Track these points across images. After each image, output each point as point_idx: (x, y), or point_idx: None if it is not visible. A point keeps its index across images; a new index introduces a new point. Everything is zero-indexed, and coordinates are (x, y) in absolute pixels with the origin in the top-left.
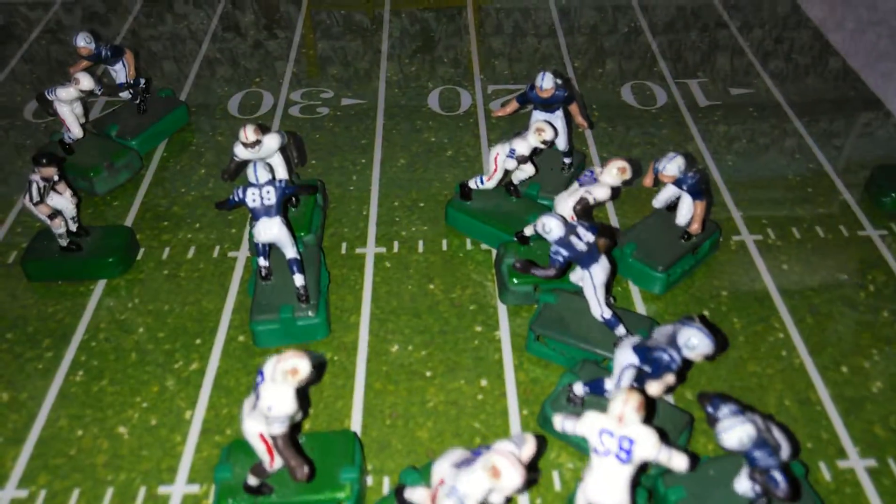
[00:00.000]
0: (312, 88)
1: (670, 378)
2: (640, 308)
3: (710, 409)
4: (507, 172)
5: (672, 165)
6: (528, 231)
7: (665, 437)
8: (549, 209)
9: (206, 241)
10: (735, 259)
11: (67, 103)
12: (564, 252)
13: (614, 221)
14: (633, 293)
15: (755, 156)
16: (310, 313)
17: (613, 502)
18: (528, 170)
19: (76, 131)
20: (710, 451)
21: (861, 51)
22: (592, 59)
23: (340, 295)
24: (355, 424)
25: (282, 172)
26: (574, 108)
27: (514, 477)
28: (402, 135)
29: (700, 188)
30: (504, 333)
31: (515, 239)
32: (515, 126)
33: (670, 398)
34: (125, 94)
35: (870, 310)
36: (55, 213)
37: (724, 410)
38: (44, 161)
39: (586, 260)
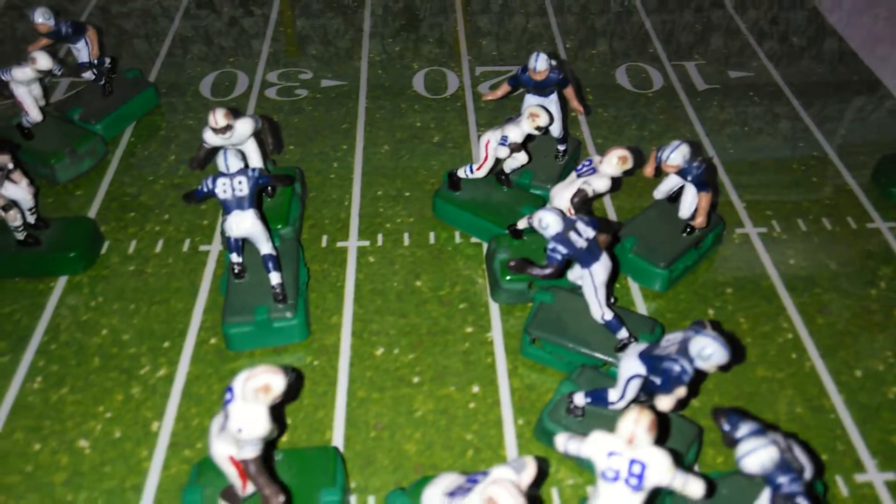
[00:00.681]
0: (290, 69)
1: (682, 391)
2: (641, 306)
3: (726, 428)
4: (498, 161)
5: (676, 155)
6: (522, 224)
7: (678, 459)
8: (542, 199)
9: (175, 234)
10: (739, 253)
11: (24, 84)
12: (563, 249)
13: (611, 213)
14: (632, 290)
15: (756, 142)
16: (287, 314)
17: None
18: (520, 158)
19: (35, 115)
20: (719, 464)
21: (858, 33)
22: (584, 39)
23: (321, 293)
24: (337, 437)
25: (255, 160)
26: (569, 91)
27: None
28: (386, 119)
29: (705, 179)
30: (496, 335)
31: (508, 232)
32: (506, 110)
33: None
34: (88, 75)
35: (882, 308)
36: (10, 205)
37: (744, 430)
38: None
39: (586, 258)
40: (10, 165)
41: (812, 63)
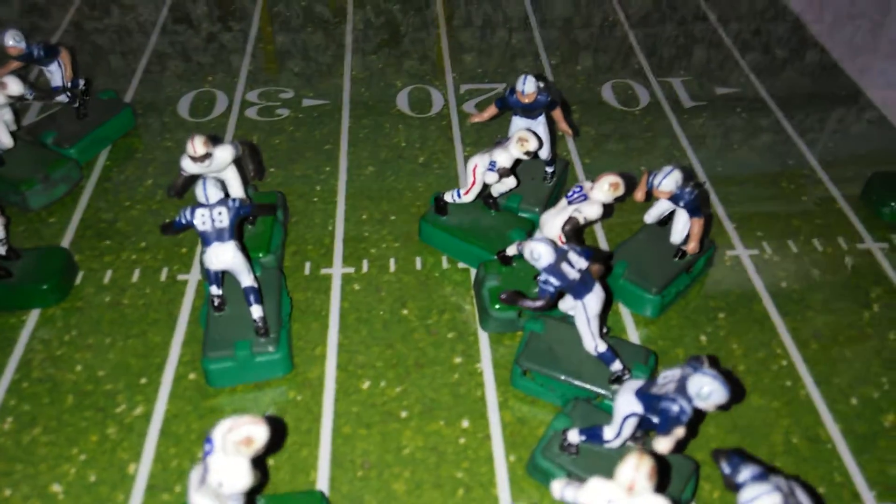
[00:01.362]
0: (271, 88)
1: (681, 431)
2: (632, 333)
3: (727, 471)
4: (485, 185)
5: (669, 181)
6: (511, 251)
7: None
8: (531, 223)
9: (152, 263)
10: (731, 276)
11: None
12: (555, 281)
13: (600, 237)
14: (623, 316)
15: (744, 159)
16: (269, 348)
17: None
18: (509, 182)
19: (6, 140)
20: (715, 499)
21: (838, 45)
22: (568, 54)
23: (304, 323)
24: (322, 478)
25: (236, 188)
26: (557, 113)
27: None
28: (370, 138)
29: (698, 205)
30: (486, 365)
31: (497, 258)
32: (492, 130)
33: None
34: (62, 98)
35: (876, 332)
36: None
37: (746, 474)
38: None
39: (579, 289)
40: None
41: (796, 75)
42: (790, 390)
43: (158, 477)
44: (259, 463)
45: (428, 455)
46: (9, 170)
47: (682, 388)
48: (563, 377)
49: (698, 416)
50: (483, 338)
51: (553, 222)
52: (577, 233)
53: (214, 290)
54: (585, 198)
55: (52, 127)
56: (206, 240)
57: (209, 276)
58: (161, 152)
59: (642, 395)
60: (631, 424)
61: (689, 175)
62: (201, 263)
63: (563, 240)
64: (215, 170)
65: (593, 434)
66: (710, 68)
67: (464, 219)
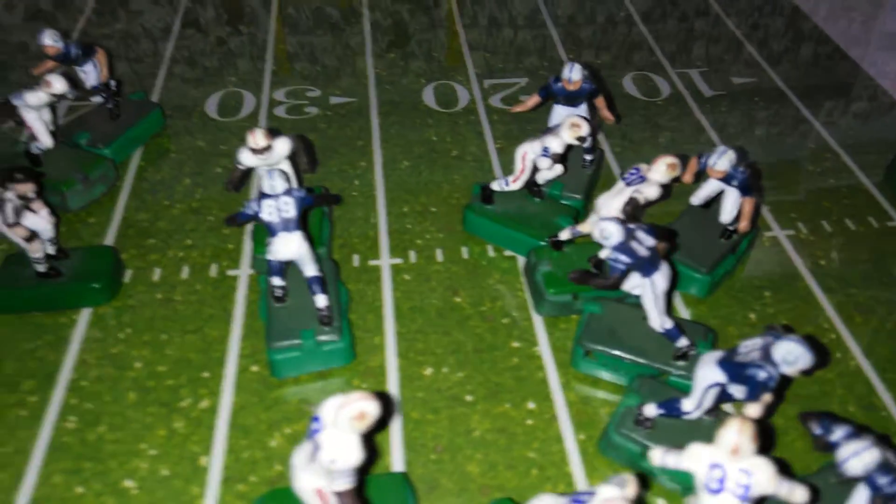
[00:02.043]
0: (297, 87)
1: (768, 397)
2: (683, 313)
3: (818, 432)
4: (532, 172)
5: (724, 160)
6: (564, 235)
7: (783, 468)
8: (574, 209)
9: (200, 260)
10: (771, 256)
11: (35, 109)
12: (626, 259)
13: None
14: (673, 296)
15: (770, 146)
16: (334, 337)
17: None
18: (557, 169)
19: (46, 141)
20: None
21: (833, 36)
22: (587, 49)
23: (360, 314)
24: (397, 461)
25: (291, 180)
26: (600, 101)
27: None
28: (401, 134)
29: (751, 184)
30: (544, 349)
31: (548, 244)
32: (521, 123)
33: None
34: (96, 98)
35: None
36: (32, 236)
37: (839, 433)
38: (20, 176)
39: (647, 267)
40: (32, 195)
41: (806, 65)
42: (841, 362)
43: (232, 468)
44: (366, 441)
45: (497, 437)
46: (47, 170)
47: (766, 355)
48: (627, 356)
49: (784, 381)
50: (538, 322)
51: (611, 204)
52: (637, 213)
53: (277, 281)
54: (643, 179)
55: (85, 127)
56: (272, 230)
57: (272, 268)
58: (193, 152)
59: (726, 364)
60: (712, 395)
61: (742, 155)
62: (256, 255)
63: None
64: (272, 162)
65: (671, 407)
66: (723, 59)
67: (509, 207)
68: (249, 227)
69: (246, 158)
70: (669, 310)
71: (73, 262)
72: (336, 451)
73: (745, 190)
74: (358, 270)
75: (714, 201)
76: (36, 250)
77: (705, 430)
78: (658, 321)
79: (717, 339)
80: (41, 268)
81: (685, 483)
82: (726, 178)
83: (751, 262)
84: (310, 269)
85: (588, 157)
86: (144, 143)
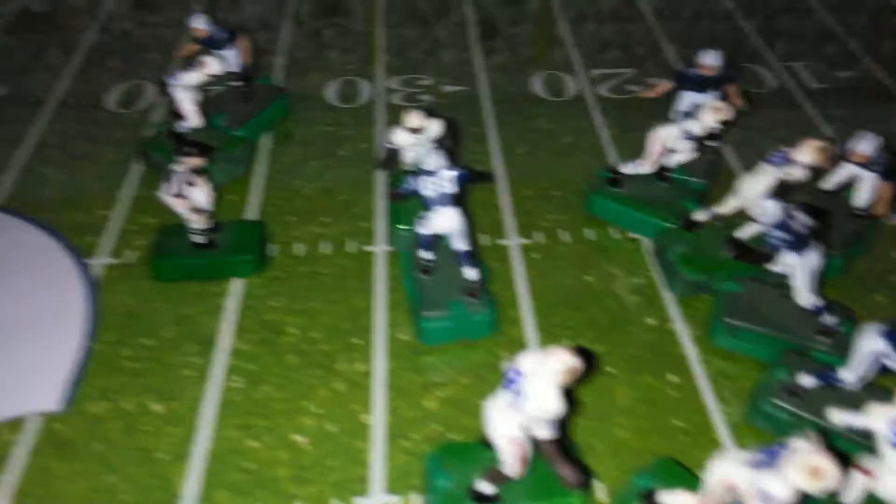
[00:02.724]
0: (410, 75)
1: None
2: None
3: None
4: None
5: (867, 145)
6: (700, 217)
7: None
8: (701, 193)
9: (338, 236)
10: (887, 240)
11: (188, 89)
12: (784, 236)
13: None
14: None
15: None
16: (481, 308)
17: None
18: (686, 153)
19: (195, 120)
20: None
21: None
22: (689, 44)
23: (495, 289)
24: None
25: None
26: (733, 88)
27: (836, 476)
28: (515, 122)
29: (891, 169)
30: (679, 325)
31: (680, 225)
32: (630, 111)
33: None
34: (236, 82)
35: None
36: (197, 208)
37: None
38: (192, 150)
39: (802, 245)
40: (199, 169)
41: None
42: None
43: (395, 427)
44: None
45: (642, 406)
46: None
47: None
48: (771, 332)
49: None
50: (669, 300)
51: (755, 185)
52: (786, 193)
53: (427, 254)
54: (788, 161)
55: (220, 109)
56: (430, 204)
57: (423, 241)
58: (318, 136)
59: (890, 335)
60: (871, 363)
61: (883, 142)
62: (394, 230)
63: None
64: (423, 143)
65: (828, 376)
66: (825, 55)
67: (636, 191)
68: (381, 207)
69: (401, 138)
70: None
71: (226, 235)
72: (542, 401)
73: (886, 175)
74: (489, 249)
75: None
76: (198, 221)
77: (854, 402)
78: (809, 298)
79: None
80: (200, 239)
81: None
82: (868, 164)
83: (876, 246)
84: (461, 244)
85: (713, 143)
86: (272, 127)
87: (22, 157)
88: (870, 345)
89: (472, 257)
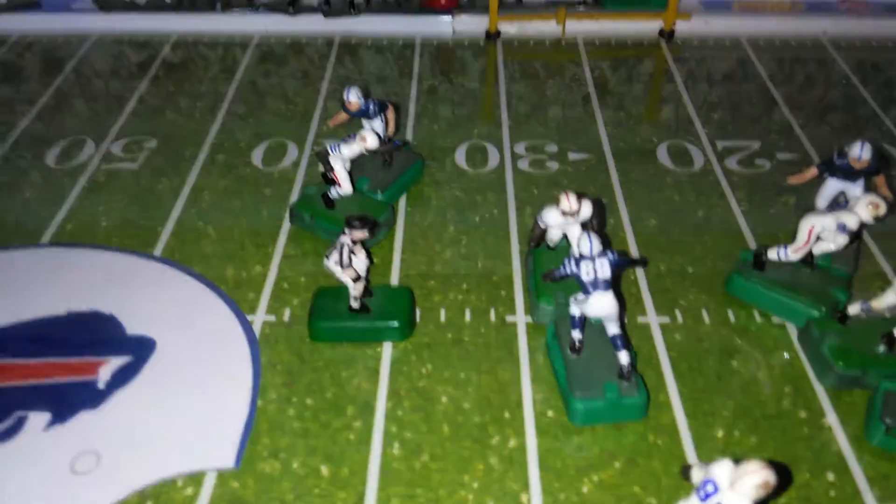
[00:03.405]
0: (535, 141)
1: None
2: None
3: None
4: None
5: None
6: (854, 310)
7: None
8: (845, 281)
9: (479, 304)
10: None
11: (346, 160)
12: None
13: None
14: None
15: None
16: (634, 392)
17: None
18: (839, 241)
19: (347, 188)
20: None
21: None
22: (811, 112)
23: (640, 370)
24: None
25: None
26: (881, 179)
27: None
28: (644, 193)
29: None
30: (832, 420)
31: (831, 315)
32: (760, 188)
33: None
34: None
35: None
36: (358, 277)
37: None
38: (359, 224)
39: None
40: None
41: None
42: None
43: None
44: None
45: None
46: (339, 213)
47: None
48: None
49: None
50: (821, 392)
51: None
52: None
53: (577, 334)
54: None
55: (363, 173)
56: (587, 289)
57: (575, 322)
58: (452, 201)
59: None
60: None
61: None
62: (537, 304)
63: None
64: (574, 224)
65: None
66: None
67: (782, 275)
68: (519, 276)
69: (552, 218)
70: None
71: (377, 300)
72: None
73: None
74: (629, 327)
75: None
76: (358, 289)
77: None
78: None
79: None
80: (356, 304)
81: None
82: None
83: None
84: (614, 327)
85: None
86: (408, 190)
87: (177, 209)
88: None
89: (625, 340)
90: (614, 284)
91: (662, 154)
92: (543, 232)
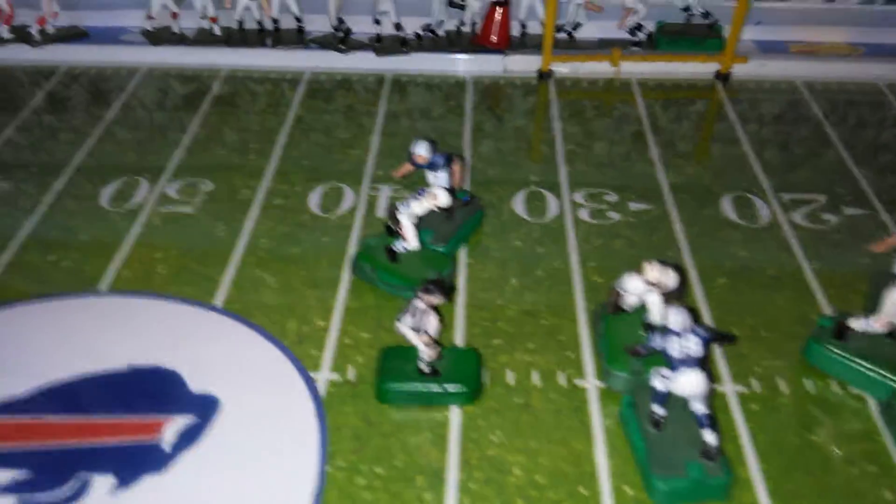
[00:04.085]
0: (593, 188)
1: None
2: None
3: None
4: None
5: None
6: None
7: None
8: None
9: (546, 365)
10: None
11: (415, 216)
12: None
13: None
14: None
15: None
16: (719, 472)
17: None
18: None
19: (414, 243)
20: None
21: None
22: (878, 163)
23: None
24: None
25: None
26: None
27: None
28: (710, 247)
29: None
30: None
31: None
32: (823, 243)
33: None
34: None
35: None
36: (432, 341)
37: None
38: (434, 289)
39: None
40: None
41: None
42: None
43: None
44: None
45: None
46: (402, 267)
47: None
48: None
49: None
50: None
51: None
52: None
53: (661, 410)
54: None
55: (426, 225)
56: (675, 365)
57: (658, 397)
58: (512, 252)
59: None
60: None
61: None
62: (609, 371)
63: None
64: (657, 294)
65: None
66: None
67: (862, 343)
68: (586, 337)
69: (633, 286)
70: None
71: (445, 362)
72: None
73: None
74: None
75: None
76: (430, 354)
77: None
78: None
79: None
80: (426, 367)
81: None
82: None
83: None
84: (701, 405)
85: None
86: (468, 240)
87: (236, 256)
88: None
89: (712, 419)
90: (702, 361)
91: (726, 205)
92: (621, 297)
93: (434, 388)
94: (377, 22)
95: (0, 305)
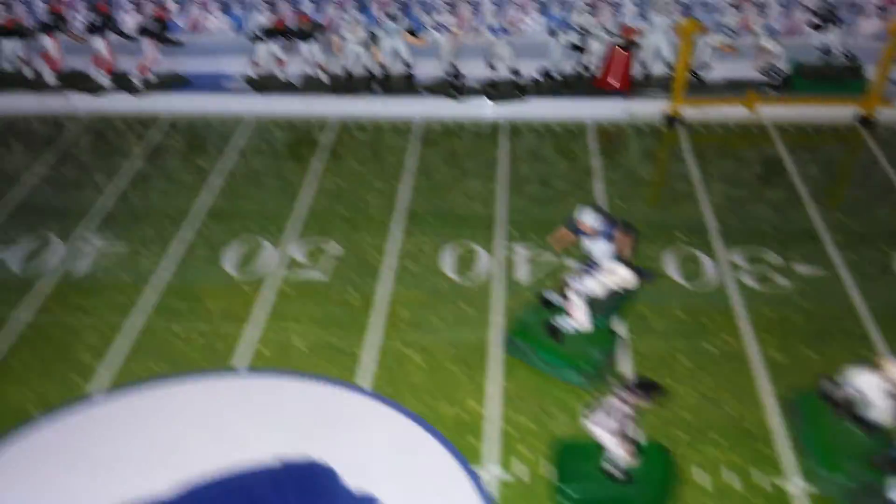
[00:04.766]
0: (751, 248)
1: None
2: None
3: None
4: None
5: None
6: None
7: None
8: None
9: (738, 463)
10: None
11: (587, 294)
12: None
13: None
14: None
15: None
16: None
17: None
18: None
19: (585, 324)
20: None
21: None
22: None
23: None
24: None
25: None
26: None
27: None
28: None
29: None
30: None
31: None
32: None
33: None
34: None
35: None
36: (626, 439)
37: None
38: (640, 391)
39: None
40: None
41: None
42: None
43: None
44: None
45: None
46: (566, 345)
47: None
48: None
49: None
50: None
51: None
52: None
53: None
54: None
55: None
56: None
57: None
58: (675, 324)
59: None
60: None
61: None
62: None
63: None
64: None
65: None
66: None
67: None
68: (779, 427)
69: (867, 383)
70: None
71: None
72: None
73: None
74: None
75: None
76: (627, 460)
77: None
78: None
79: None
80: (617, 472)
81: None
82: None
83: None
84: None
85: None
86: (622, 311)
87: (375, 328)
88: None
89: None
90: None
91: None
92: (851, 401)
93: (631, 494)
94: (491, 67)
95: (129, 387)
